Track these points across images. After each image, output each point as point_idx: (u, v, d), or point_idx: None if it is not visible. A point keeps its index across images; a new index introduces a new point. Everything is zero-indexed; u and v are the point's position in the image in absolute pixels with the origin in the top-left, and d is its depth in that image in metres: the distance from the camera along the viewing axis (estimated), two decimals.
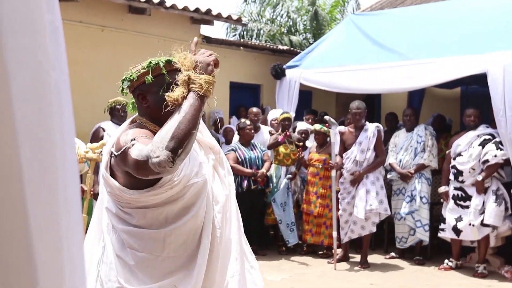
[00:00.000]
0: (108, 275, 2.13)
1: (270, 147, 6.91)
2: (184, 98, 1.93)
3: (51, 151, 0.81)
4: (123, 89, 2.19)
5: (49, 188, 0.82)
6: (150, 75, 2.08)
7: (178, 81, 1.96)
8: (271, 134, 7.18)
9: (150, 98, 2.10)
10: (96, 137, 5.91)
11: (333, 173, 6.32)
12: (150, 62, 2.11)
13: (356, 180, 6.37)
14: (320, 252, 6.96)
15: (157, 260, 2.09)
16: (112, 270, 2.12)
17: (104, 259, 2.16)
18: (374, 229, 6.47)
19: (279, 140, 6.84)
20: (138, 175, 1.93)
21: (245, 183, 6.58)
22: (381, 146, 6.48)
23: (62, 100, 0.83)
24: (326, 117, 6.34)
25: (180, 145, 1.84)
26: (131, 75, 2.12)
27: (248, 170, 6.57)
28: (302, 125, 7.30)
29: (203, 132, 2.39)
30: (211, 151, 2.39)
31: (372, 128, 6.39)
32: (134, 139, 1.95)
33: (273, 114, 7.55)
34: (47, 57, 0.80)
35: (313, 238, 6.84)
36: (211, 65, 1.98)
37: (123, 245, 2.12)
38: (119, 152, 1.97)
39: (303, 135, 7.18)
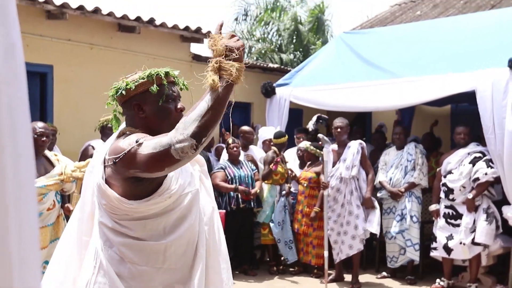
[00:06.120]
0: None
1: (265, 177, 6.81)
2: (214, 85, 1.85)
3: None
4: (114, 99, 2.16)
5: None
6: (155, 85, 2.09)
7: (208, 67, 1.87)
8: (264, 163, 7.01)
9: (148, 108, 2.11)
10: (86, 155, 5.85)
11: (326, 192, 6.29)
12: (150, 73, 2.11)
13: (368, 205, 6.37)
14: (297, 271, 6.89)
15: (158, 272, 2.09)
16: None
17: (99, 279, 2.09)
18: (361, 247, 6.41)
19: (273, 168, 6.77)
20: (151, 170, 1.90)
21: (234, 201, 6.52)
22: (368, 162, 6.51)
23: (16, 119, 0.78)
24: (320, 135, 6.31)
25: (205, 133, 1.81)
26: (127, 85, 2.11)
27: (230, 186, 6.50)
28: (303, 145, 7.17)
29: None
30: (196, 163, 2.39)
31: (355, 145, 6.42)
32: (138, 140, 1.93)
33: (265, 134, 7.46)
34: None
35: (305, 257, 6.79)
36: (241, 50, 1.89)
37: (120, 260, 2.08)
38: (122, 155, 1.94)
39: (299, 152, 7.15)
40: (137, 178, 1.99)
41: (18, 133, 0.77)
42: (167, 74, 2.15)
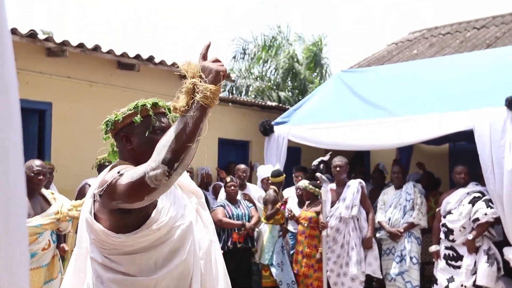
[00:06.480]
0: None
1: (270, 217, 6.69)
2: (187, 107, 1.78)
3: None
4: (106, 132, 2.17)
5: None
6: (138, 115, 2.08)
7: (183, 88, 1.80)
8: (266, 203, 6.89)
9: (135, 139, 2.10)
10: (82, 193, 5.80)
11: (324, 232, 6.20)
12: (136, 104, 2.11)
13: (367, 246, 6.29)
14: None
15: None
16: None
17: None
18: None
19: (281, 209, 6.67)
20: (132, 201, 1.86)
21: (231, 241, 6.42)
22: (368, 201, 6.48)
23: (9, 161, 0.75)
24: (318, 174, 6.26)
25: (176, 158, 1.75)
26: (116, 117, 2.11)
27: (237, 222, 6.41)
28: (301, 184, 7.12)
29: (183, 176, 2.34)
30: (193, 195, 2.35)
31: (355, 184, 6.38)
32: (120, 171, 1.91)
33: (263, 172, 7.42)
34: None
35: None
36: (221, 74, 1.81)
37: None
38: (105, 187, 1.91)
39: (298, 191, 7.08)
40: (123, 210, 1.96)
41: (10, 177, 0.74)
42: (155, 105, 2.14)
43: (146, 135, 2.08)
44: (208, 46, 1.89)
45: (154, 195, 1.83)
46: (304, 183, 6.79)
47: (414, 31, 11.73)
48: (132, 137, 2.10)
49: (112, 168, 2.10)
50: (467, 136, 6.45)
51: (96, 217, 2.03)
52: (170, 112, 2.20)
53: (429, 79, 7.22)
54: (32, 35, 6.12)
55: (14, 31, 5.93)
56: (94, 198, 2.04)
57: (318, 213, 6.52)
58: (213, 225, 2.40)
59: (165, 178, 1.75)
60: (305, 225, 6.58)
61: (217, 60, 1.85)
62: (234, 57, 17.22)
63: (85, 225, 2.09)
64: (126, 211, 1.96)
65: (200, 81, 1.78)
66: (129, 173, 1.86)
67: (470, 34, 10.17)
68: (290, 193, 7.41)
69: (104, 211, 1.99)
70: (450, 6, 30.63)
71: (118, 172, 1.91)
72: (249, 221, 6.58)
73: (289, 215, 6.73)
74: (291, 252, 6.93)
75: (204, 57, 1.87)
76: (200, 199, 2.38)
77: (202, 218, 2.33)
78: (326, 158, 6.75)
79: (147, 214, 2.01)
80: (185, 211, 2.17)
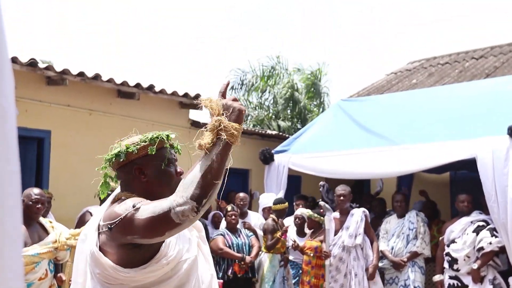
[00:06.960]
0: None
1: (271, 247, 6.59)
2: (211, 144, 1.81)
3: None
4: (112, 163, 2.11)
5: None
6: (154, 146, 2.06)
7: (207, 126, 1.84)
8: (265, 232, 6.81)
9: (150, 171, 2.06)
10: (83, 221, 5.71)
11: (327, 261, 6.11)
12: (152, 136, 2.09)
13: (372, 277, 6.17)
14: None
15: None
16: None
17: None
18: None
19: (283, 238, 6.58)
20: (151, 236, 1.82)
21: (231, 270, 6.32)
22: (372, 230, 6.41)
23: (4, 192, 0.71)
24: (321, 203, 6.20)
25: (205, 194, 1.75)
26: (128, 148, 2.06)
27: (238, 254, 6.33)
28: (299, 211, 7.06)
29: None
30: (194, 229, 2.32)
31: (359, 213, 6.30)
32: (135, 205, 1.87)
33: (265, 201, 7.34)
34: None
35: None
36: (243, 113, 1.86)
37: None
38: (118, 221, 1.86)
39: (297, 220, 6.99)
40: (134, 245, 1.91)
41: (6, 206, 0.71)
42: (168, 137, 2.14)
43: (162, 167, 2.07)
44: (228, 85, 1.93)
45: (175, 230, 1.82)
46: (307, 211, 6.71)
47: (413, 61, 11.80)
48: (147, 169, 2.07)
49: (116, 200, 2.06)
50: (468, 165, 6.41)
51: (101, 251, 1.98)
52: (176, 146, 2.20)
53: (429, 107, 7.22)
54: (32, 63, 6.12)
55: (14, 60, 5.94)
56: (99, 230, 1.99)
57: (323, 242, 6.43)
58: (211, 258, 2.37)
59: (192, 214, 1.75)
60: (311, 255, 6.47)
61: (235, 99, 1.87)
62: (232, 87, 17.29)
63: (89, 259, 2.02)
64: (137, 245, 1.91)
65: (225, 119, 1.81)
66: (149, 208, 1.83)
67: (469, 64, 10.22)
68: (290, 222, 7.34)
69: (112, 245, 1.94)
70: (448, 37, 30.93)
71: (133, 206, 1.87)
72: (249, 250, 6.49)
73: (293, 246, 6.61)
74: (293, 281, 6.82)
75: (223, 95, 1.89)
76: (201, 232, 2.36)
77: (203, 252, 2.30)
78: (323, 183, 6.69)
79: (156, 249, 1.97)
80: (189, 245, 2.15)
